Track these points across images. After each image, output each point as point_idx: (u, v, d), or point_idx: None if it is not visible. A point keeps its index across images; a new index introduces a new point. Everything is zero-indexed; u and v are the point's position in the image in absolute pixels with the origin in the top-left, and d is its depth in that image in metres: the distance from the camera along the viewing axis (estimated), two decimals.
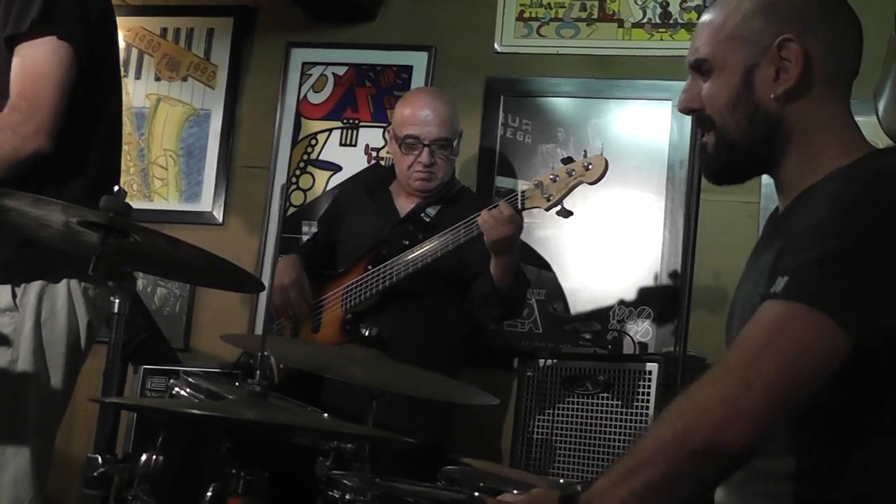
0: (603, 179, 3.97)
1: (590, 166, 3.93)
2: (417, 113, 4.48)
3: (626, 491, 1.96)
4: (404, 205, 4.58)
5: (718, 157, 2.34)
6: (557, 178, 3.95)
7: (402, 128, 4.50)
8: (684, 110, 2.40)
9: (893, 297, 1.90)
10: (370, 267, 4.30)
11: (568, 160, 3.97)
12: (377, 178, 4.78)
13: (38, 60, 3.41)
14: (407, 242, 4.29)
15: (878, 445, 2.01)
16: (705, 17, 2.36)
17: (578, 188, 4.00)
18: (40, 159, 3.37)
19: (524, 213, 4.06)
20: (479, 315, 4.46)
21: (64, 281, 3.52)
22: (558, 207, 3.97)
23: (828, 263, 1.92)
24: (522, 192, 4.01)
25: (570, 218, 4.03)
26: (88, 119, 3.59)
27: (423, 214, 4.49)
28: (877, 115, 3.88)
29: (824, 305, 1.88)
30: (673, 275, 4.87)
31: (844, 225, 1.95)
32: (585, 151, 4.02)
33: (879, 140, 4.08)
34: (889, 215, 1.95)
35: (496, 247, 4.03)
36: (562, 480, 2.55)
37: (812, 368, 1.88)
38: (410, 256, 4.19)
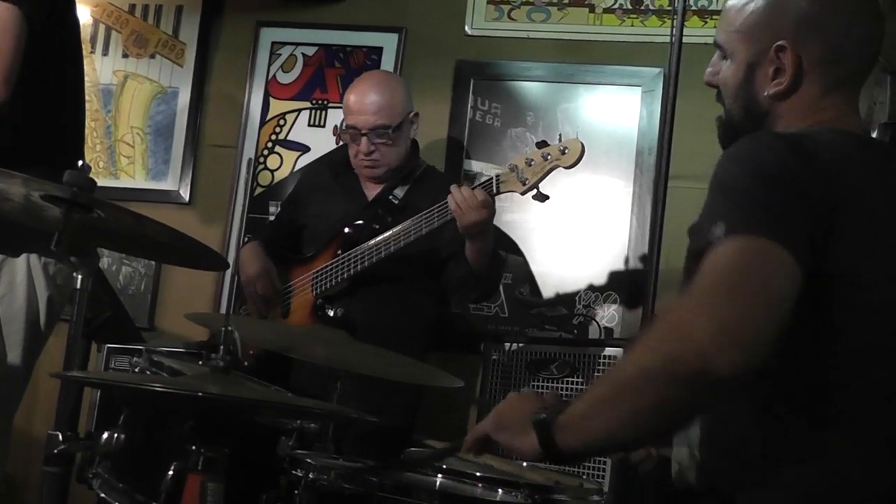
0: (579, 164, 3.95)
1: (566, 150, 3.90)
2: (356, 101, 4.47)
3: (611, 416, 2.00)
4: (371, 187, 4.56)
5: (724, 130, 2.51)
6: (533, 162, 3.92)
7: (345, 118, 4.53)
8: (707, 83, 2.54)
9: (792, 204, 2.04)
10: (340, 251, 4.28)
11: (543, 144, 3.94)
12: (343, 160, 4.75)
13: None
14: (377, 226, 4.27)
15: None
16: (727, 3, 2.50)
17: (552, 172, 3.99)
18: None
19: (499, 197, 4.05)
20: (457, 298, 4.47)
21: (23, 256, 3.50)
22: (534, 192, 3.95)
23: (748, 199, 2.05)
24: (497, 176, 3.99)
25: (542, 202, 4.02)
26: (47, 91, 3.57)
27: (391, 196, 4.47)
28: None
29: (768, 232, 1.97)
30: (640, 260, 4.87)
31: (740, 171, 2.12)
32: (560, 135, 3.99)
33: None
34: (768, 154, 2.11)
35: (469, 231, 4.01)
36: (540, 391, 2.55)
37: (780, 290, 1.94)
38: (381, 241, 4.17)
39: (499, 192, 3.98)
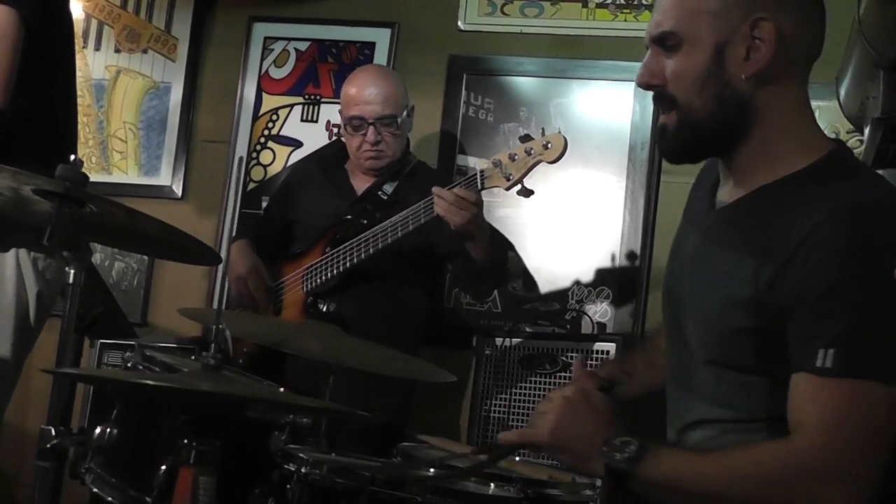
0: (562, 158, 3.93)
1: (549, 145, 3.88)
2: (360, 92, 4.46)
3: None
4: (360, 183, 4.57)
5: (680, 135, 2.32)
6: (516, 157, 3.89)
7: (347, 109, 4.50)
8: (643, 85, 2.37)
9: None
10: (328, 248, 4.28)
11: (526, 138, 3.92)
12: (332, 156, 4.75)
13: None
14: (365, 222, 4.27)
15: None
16: None
17: (538, 167, 3.97)
18: None
19: (492, 192, 4.04)
20: (474, 294, 4.48)
21: (12, 251, 3.50)
22: (518, 187, 3.93)
23: (868, 327, 2.03)
24: (481, 171, 3.97)
25: (531, 197, 4.00)
26: (39, 87, 3.56)
27: (380, 192, 4.48)
28: (838, 99, 3.90)
29: (885, 375, 2.02)
30: (632, 256, 4.87)
31: (868, 280, 2.04)
32: (543, 129, 3.96)
33: (840, 125, 4.10)
34: (889, 257, 2.04)
35: (463, 231, 3.99)
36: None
37: (892, 436, 2.04)
38: (368, 237, 4.16)
39: (483, 188, 3.96)
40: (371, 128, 4.41)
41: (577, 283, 4.94)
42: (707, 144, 2.34)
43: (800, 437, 2.05)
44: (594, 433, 2.22)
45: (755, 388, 2.21)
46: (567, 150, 3.89)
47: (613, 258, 4.93)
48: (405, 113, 4.50)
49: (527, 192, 3.95)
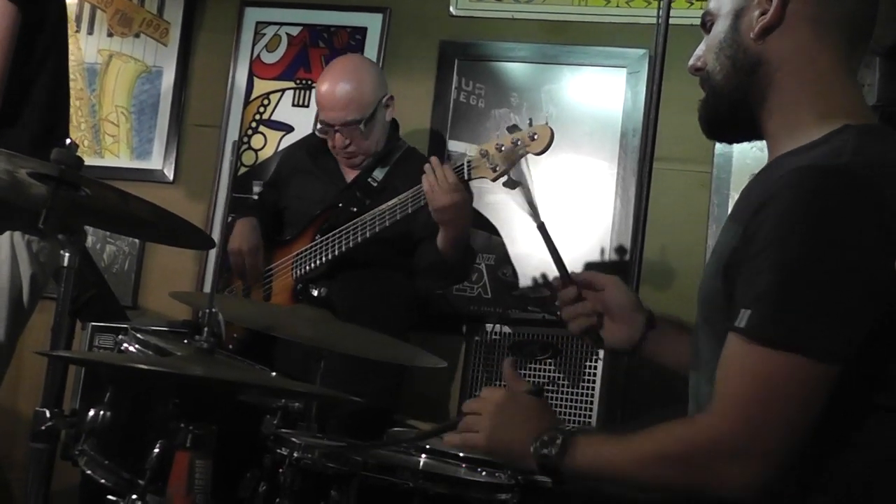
0: (549, 150, 3.93)
1: (535, 136, 3.87)
2: (325, 96, 4.43)
3: (618, 483, 2.12)
4: (350, 171, 4.57)
5: (707, 103, 2.38)
6: (503, 148, 3.88)
7: (318, 110, 4.50)
8: (690, 70, 2.43)
9: (855, 306, 1.94)
10: (318, 236, 4.28)
11: (514, 128, 3.91)
12: (321, 142, 4.75)
13: None
14: (355, 209, 4.27)
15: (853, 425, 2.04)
16: None
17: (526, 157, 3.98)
18: None
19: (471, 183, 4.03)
20: (422, 284, 4.45)
21: (7, 233, 3.50)
22: (505, 178, 3.93)
23: (789, 291, 1.94)
24: (468, 161, 3.96)
25: (513, 189, 4.01)
26: (30, 69, 3.56)
27: (369, 179, 4.47)
28: None
29: (801, 345, 1.92)
30: (623, 242, 4.87)
31: (798, 243, 1.96)
32: (531, 120, 3.94)
33: None
34: (838, 221, 1.95)
35: (441, 216, 3.98)
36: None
37: (808, 412, 1.94)
38: (358, 224, 4.16)
39: (470, 178, 3.97)
40: (337, 134, 4.40)
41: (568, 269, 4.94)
42: (732, 111, 2.34)
43: (706, 414, 2.01)
44: (526, 433, 2.23)
45: None
46: (554, 142, 3.89)
47: (604, 244, 4.94)
48: (376, 110, 4.45)
49: (513, 184, 3.95)
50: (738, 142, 2.54)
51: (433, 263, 4.20)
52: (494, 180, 3.93)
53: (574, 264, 4.83)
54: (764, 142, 2.34)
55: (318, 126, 4.49)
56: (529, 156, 3.87)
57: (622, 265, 4.83)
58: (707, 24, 2.38)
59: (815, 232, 1.95)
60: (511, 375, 2.59)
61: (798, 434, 1.93)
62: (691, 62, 2.42)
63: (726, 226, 2.27)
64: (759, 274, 1.97)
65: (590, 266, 4.90)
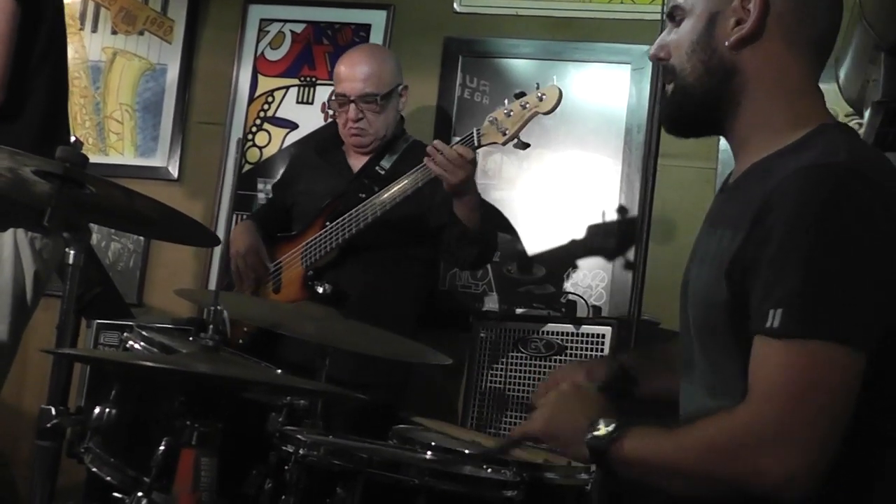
0: (558, 109, 3.96)
1: (543, 97, 3.91)
2: (346, 70, 4.49)
3: (667, 481, 2.11)
4: (357, 162, 4.58)
5: (674, 101, 2.40)
6: (512, 113, 3.94)
7: (336, 86, 4.55)
8: (652, 58, 2.45)
9: (881, 296, 1.98)
10: (328, 223, 4.28)
11: (520, 94, 3.95)
12: (329, 137, 4.76)
13: None
14: (363, 195, 4.28)
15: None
16: None
17: (535, 121, 4.01)
18: None
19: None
20: (459, 259, 4.45)
21: (10, 230, 3.50)
22: (515, 141, 3.96)
23: (816, 286, 1.96)
24: (477, 129, 4.00)
25: (524, 150, 4.04)
26: (30, 63, 3.56)
27: (377, 167, 4.49)
28: (837, 82, 3.89)
29: (834, 334, 1.95)
30: (628, 239, 4.87)
31: (817, 239, 1.98)
32: (538, 84, 4.00)
33: (839, 108, 4.11)
34: (853, 215, 1.99)
35: (456, 189, 4.02)
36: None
37: (845, 400, 1.96)
38: (367, 206, 4.18)
39: (480, 146, 4.00)
40: (352, 105, 4.42)
41: (573, 266, 4.95)
42: (700, 112, 2.37)
43: (745, 404, 2.00)
44: (582, 420, 2.24)
45: (731, 375, 2.17)
46: (562, 100, 3.93)
47: (609, 241, 4.93)
48: (392, 92, 4.50)
49: (523, 145, 3.99)
50: (692, 137, 2.54)
51: (461, 235, 4.20)
52: (504, 143, 4.00)
53: (581, 257, 4.86)
54: None
55: (333, 99, 4.53)
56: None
57: (627, 258, 4.84)
58: (676, 17, 2.39)
59: (833, 227, 1.98)
60: (577, 368, 2.69)
61: (837, 424, 1.94)
62: (653, 51, 2.43)
63: (712, 231, 2.30)
64: (783, 273, 1.99)
65: (601, 254, 4.91)
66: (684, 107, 2.38)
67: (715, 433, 2.04)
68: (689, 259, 2.47)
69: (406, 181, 4.10)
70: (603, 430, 2.17)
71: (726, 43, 2.27)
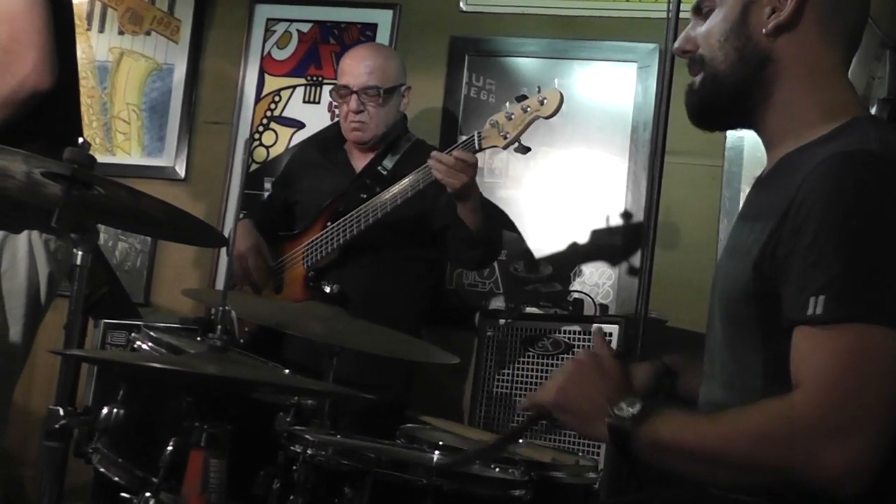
0: (559, 113, 3.96)
1: (545, 101, 3.91)
2: (350, 62, 4.53)
3: (692, 467, 2.03)
4: (359, 161, 4.59)
5: (702, 90, 2.36)
6: (513, 116, 3.94)
7: (339, 79, 4.57)
8: (677, 52, 2.42)
9: None
10: (329, 223, 4.29)
11: (522, 97, 3.95)
12: (331, 136, 4.77)
13: (12, 2, 3.39)
14: (364, 196, 4.28)
15: None
16: None
17: (536, 125, 4.02)
18: (40, 97, 3.37)
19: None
20: (463, 260, 4.47)
21: (25, 232, 3.51)
22: (516, 144, 3.96)
23: (859, 269, 1.93)
24: (478, 132, 4.01)
25: (524, 154, 4.04)
26: None
27: (379, 167, 4.49)
28: None
29: (883, 317, 1.90)
30: (635, 237, 4.87)
31: (855, 224, 1.95)
32: (539, 87, 4.00)
33: None
34: (888, 200, 1.96)
35: (459, 193, 4.02)
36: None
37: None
38: (368, 207, 4.18)
39: (481, 149, 4.01)
40: (354, 96, 4.44)
41: (580, 264, 4.95)
42: (730, 101, 2.33)
43: (799, 392, 1.93)
44: (600, 394, 2.17)
45: (751, 370, 2.14)
46: (563, 104, 3.93)
47: (616, 239, 4.93)
48: (395, 89, 4.52)
49: (524, 149, 3.99)
50: (720, 130, 2.53)
51: (467, 237, 4.21)
52: (505, 147, 4.01)
53: (588, 256, 4.86)
54: None
55: (338, 90, 4.53)
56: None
57: (634, 257, 4.84)
58: (704, 9, 2.37)
59: (870, 211, 1.95)
60: (599, 340, 2.46)
61: (893, 409, 1.89)
62: (679, 44, 2.41)
63: (743, 225, 2.26)
64: (822, 259, 1.95)
65: (608, 252, 4.90)
66: (715, 96, 2.34)
67: (768, 421, 1.97)
68: (721, 254, 2.46)
69: (407, 183, 4.11)
70: (627, 410, 2.09)
71: (763, 31, 2.25)
